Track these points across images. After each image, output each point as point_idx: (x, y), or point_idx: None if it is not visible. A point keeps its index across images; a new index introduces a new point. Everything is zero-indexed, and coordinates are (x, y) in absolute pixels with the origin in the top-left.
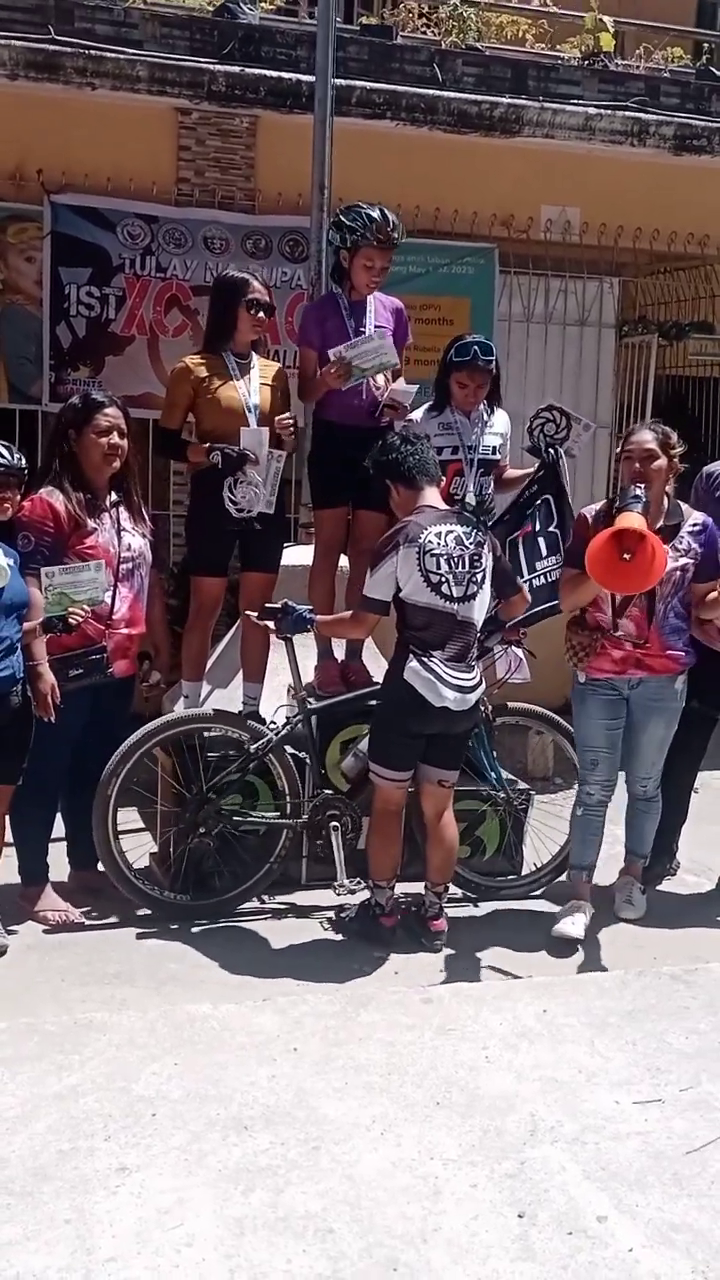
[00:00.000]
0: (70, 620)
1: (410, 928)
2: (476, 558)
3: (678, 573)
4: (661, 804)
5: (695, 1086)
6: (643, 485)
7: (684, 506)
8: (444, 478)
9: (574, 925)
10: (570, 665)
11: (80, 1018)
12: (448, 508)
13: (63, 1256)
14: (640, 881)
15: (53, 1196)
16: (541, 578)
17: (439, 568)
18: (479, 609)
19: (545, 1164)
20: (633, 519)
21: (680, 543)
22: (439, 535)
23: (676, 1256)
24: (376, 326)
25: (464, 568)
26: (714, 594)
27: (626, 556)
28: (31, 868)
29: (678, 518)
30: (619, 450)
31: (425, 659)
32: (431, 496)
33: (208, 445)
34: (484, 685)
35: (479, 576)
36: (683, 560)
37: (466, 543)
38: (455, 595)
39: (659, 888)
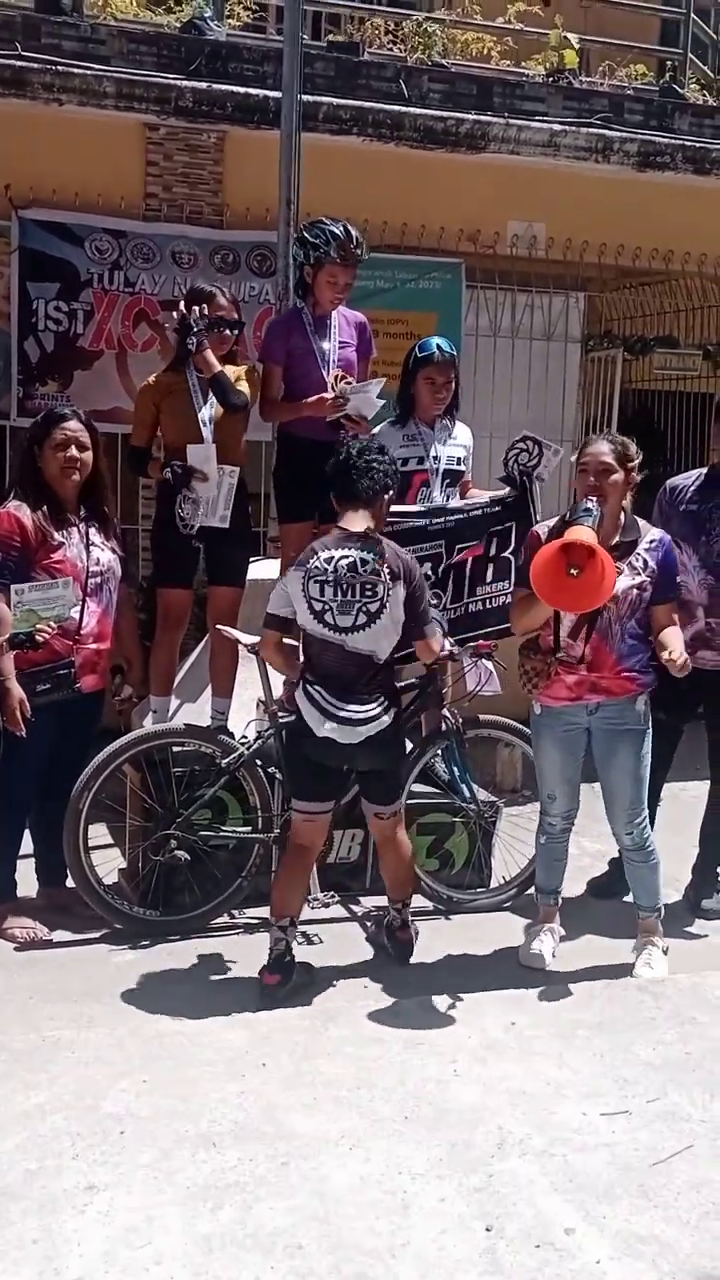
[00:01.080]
0: (37, 638)
1: (379, 941)
2: (370, 586)
3: (634, 591)
4: (655, 852)
5: (662, 1098)
6: (595, 499)
7: (641, 523)
8: (407, 489)
9: (539, 954)
10: (525, 692)
11: (48, 1035)
12: (360, 531)
13: (30, 1277)
14: (659, 941)
15: (20, 1216)
16: (481, 603)
17: (322, 594)
18: (374, 641)
19: (513, 1177)
20: (583, 532)
21: (636, 560)
22: (329, 560)
23: (643, 1268)
24: (340, 343)
25: (353, 595)
26: (673, 637)
27: (574, 572)
28: None
29: (634, 534)
30: (574, 460)
31: (310, 686)
32: (350, 519)
33: (163, 461)
34: (385, 719)
35: (372, 607)
36: (639, 579)
37: (362, 570)
38: (341, 625)
39: (625, 899)
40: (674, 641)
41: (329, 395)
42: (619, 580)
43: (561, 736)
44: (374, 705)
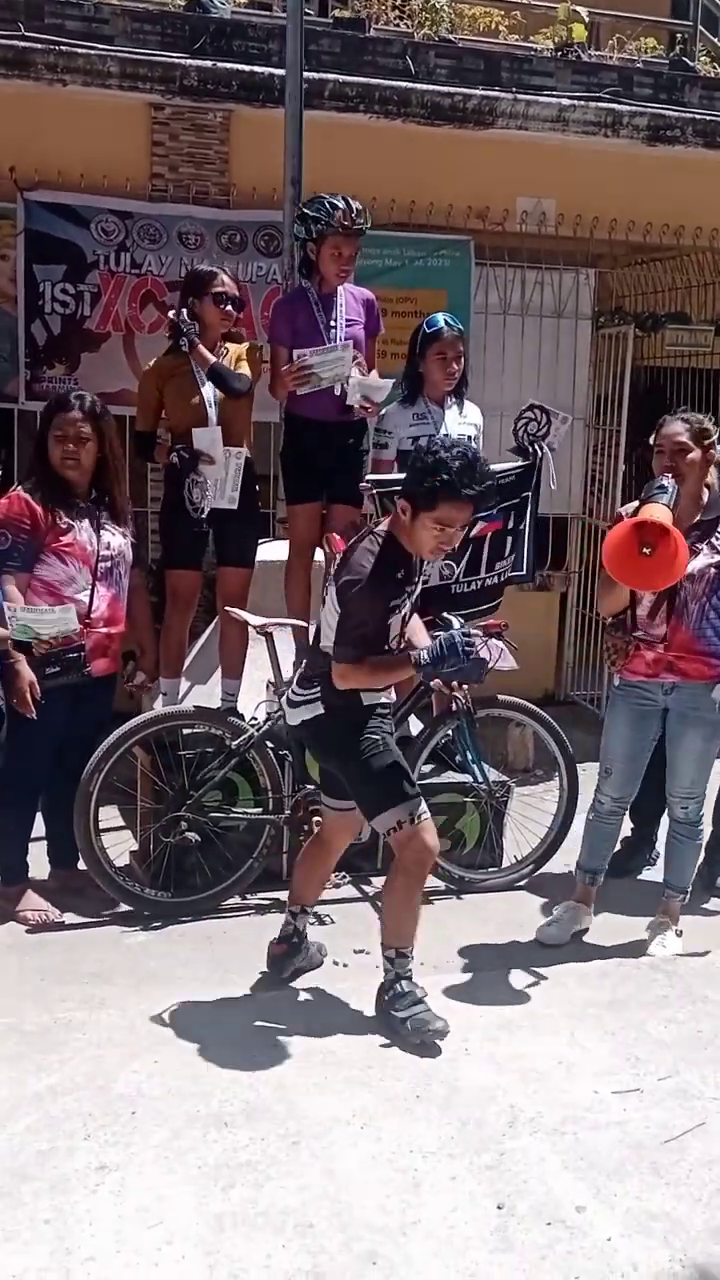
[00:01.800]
0: (35, 652)
1: None
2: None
3: (712, 570)
4: (703, 834)
5: (673, 1076)
6: (670, 477)
7: None
8: None
9: (555, 933)
10: (608, 667)
11: (60, 1017)
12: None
13: (42, 1256)
14: (677, 923)
15: (32, 1197)
16: (496, 577)
17: None
18: (321, 622)
19: (524, 1155)
20: (656, 510)
21: (718, 539)
22: None
23: (654, 1245)
24: (347, 320)
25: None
26: None
27: (646, 551)
28: (12, 867)
29: (717, 512)
30: (651, 440)
31: None
32: None
33: (170, 445)
34: (305, 711)
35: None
36: (719, 557)
37: None
38: None
39: (639, 877)
40: None
41: (288, 367)
42: (697, 559)
43: (635, 709)
44: (307, 693)
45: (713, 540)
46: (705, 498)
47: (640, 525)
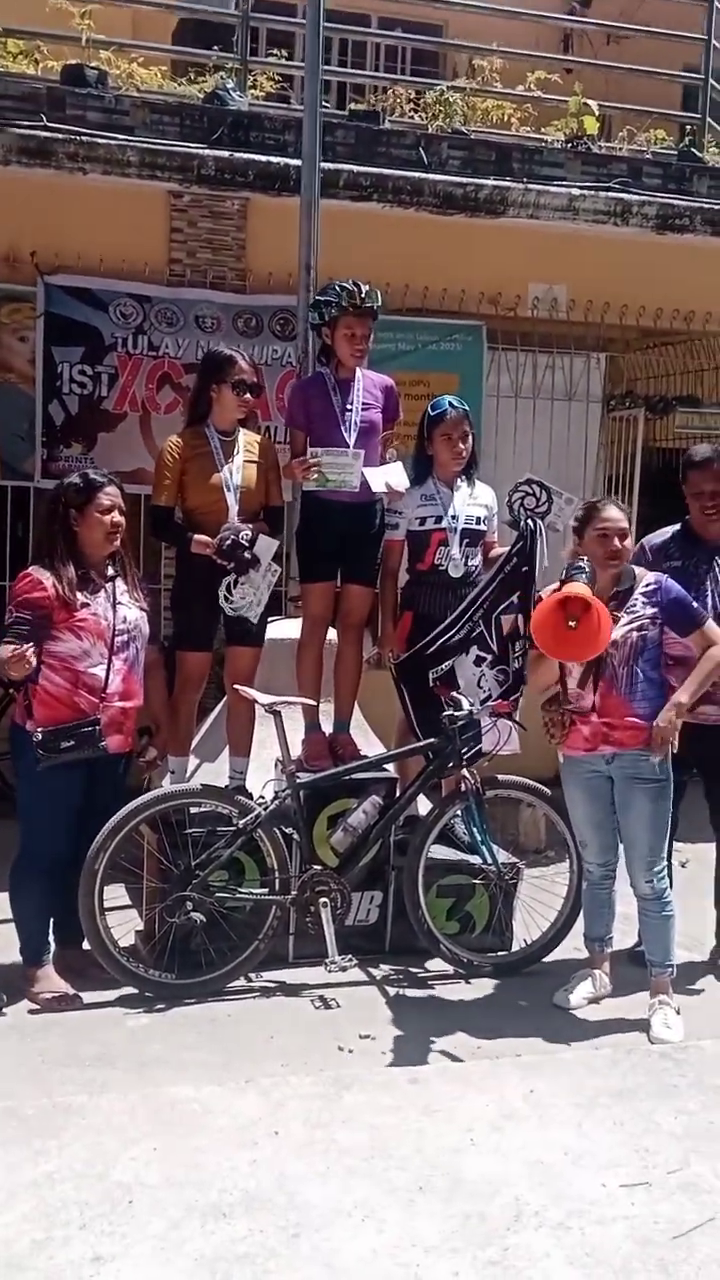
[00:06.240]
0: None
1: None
2: None
3: (633, 635)
4: (671, 905)
5: (683, 1168)
6: (585, 557)
7: (637, 570)
8: (425, 548)
9: (571, 995)
10: (549, 743)
11: (59, 1101)
12: None
13: None
14: (671, 1000)
15: None
16: (521, 658)
17: None
18: None
19: (529, 1250)
20: (577, 587)
21: (634, 606)
22: None
23: None
24: (363, 404)
25: None
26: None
27: (571, 624)
28: (32, 946)
29: (630, 582)
30: (574, 521)
31: None
32: None
33: (217, 545)
34: None
35: None
36: (637, 623)
37: None
38: None
39: None
40: (669, 706)
41: (301, 459)
42: (617, 627)
43: (585, 784)
44: None
45: (630, 608)
46: (619, 573)
47: (564, 600)
